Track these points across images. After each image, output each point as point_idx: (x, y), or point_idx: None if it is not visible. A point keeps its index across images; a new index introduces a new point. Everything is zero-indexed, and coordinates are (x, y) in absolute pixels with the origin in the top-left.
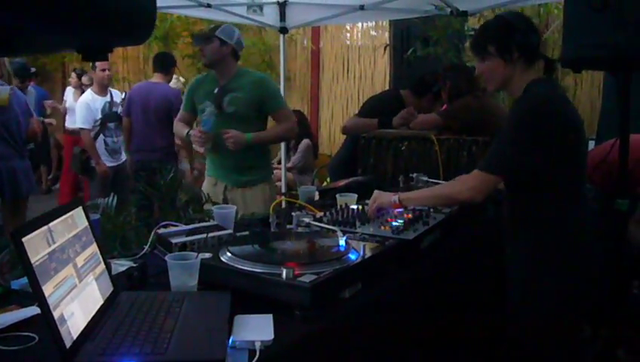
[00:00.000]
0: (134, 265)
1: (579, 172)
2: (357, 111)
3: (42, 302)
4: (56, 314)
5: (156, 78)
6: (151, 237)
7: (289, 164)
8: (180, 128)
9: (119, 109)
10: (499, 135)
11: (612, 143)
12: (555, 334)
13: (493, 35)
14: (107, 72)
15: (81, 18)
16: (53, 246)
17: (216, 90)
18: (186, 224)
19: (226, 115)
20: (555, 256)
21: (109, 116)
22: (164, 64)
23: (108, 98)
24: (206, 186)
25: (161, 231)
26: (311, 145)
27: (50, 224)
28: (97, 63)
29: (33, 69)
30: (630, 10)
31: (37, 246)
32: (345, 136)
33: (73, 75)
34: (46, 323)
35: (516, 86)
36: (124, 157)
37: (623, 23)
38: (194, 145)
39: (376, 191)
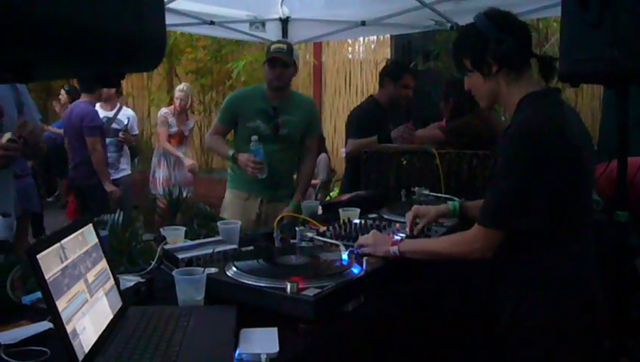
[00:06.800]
0: (142, 280)
1: (579, 205)
2: (348, 132)
3: (56, 316)
4: (69, 329)
5: (85, 98)
6: (158, 252)
7: (315, 180)
8: (220, 145)
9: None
10: (494, 179)
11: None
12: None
13: (466, 48)
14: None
15: (96, 49)
16: (65, 263)
17: (268, 110)
18: (192, 239)
19: (279, 137)
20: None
21: (105, 132)
22: (90, 84)
23: (111, 114)
24: (234, 200)
25: (168, 246)
26: (328, 159)
27: (63, 241)
28: None
29: None
30: (625, 26)
31: (50, 262)
32: None
33: (62, 92)
34: (59, 337)
35: (508, 101)
36: (123, 172)
37: (618, 38)
38: (247, 171)
39: (373, 233)
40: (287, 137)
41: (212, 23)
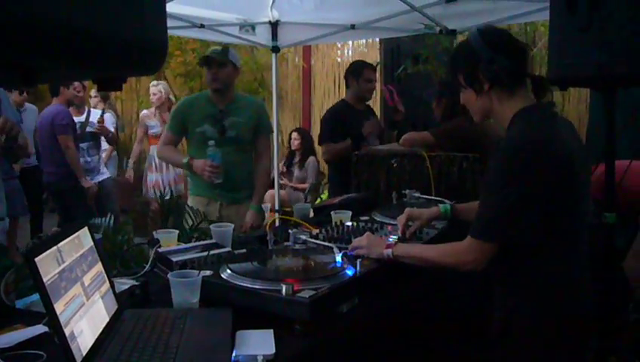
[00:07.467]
0: (136, 283)
1: (574, 215)
2: (321, 136)
3: (54, 319)
4: (66, 332)
5: (55, 102)
6: (152, 255)
7: (304, 184)
8: (172, 154)
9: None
10: (486, 192)
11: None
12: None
13: (460, 65)
14: (80, 93)
15: (99, 54)
16: (62, 266)
17: (215, 114)
18: (185, 243)
19: (227, 139)
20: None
21: (80, 136)
22: (52, 88)
23: (82, 118)
24: (196, 206)
25: (161, 249)
26: (317, 163)
27: (59, 244)
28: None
29: None
30: (614, 30)
31: (48, 265)
32: None
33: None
34: (58, 340)
35: (501, 117)
36: (103, 175)
37: (606, 42)
38: (203, 176)
39: (367, 235)
40: (235, 139)
41: (202, 26)
